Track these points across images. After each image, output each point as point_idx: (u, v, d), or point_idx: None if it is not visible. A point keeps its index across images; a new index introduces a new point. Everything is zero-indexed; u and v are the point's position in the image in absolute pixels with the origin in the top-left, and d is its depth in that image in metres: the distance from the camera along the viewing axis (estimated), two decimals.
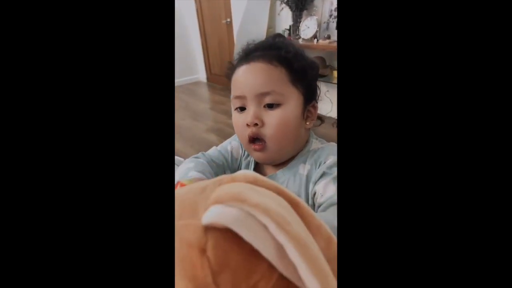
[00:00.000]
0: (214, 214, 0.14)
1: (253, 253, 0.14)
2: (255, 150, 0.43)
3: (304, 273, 0.13)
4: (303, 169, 0.45)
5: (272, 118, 0.41)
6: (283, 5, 2.22)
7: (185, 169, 0.46)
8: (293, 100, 0.41)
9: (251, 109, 0.41)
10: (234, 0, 2.84)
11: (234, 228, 0.14)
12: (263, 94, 0.41)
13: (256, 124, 0.41)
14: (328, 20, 2.07)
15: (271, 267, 0.15)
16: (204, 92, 3.54)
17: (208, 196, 0.16)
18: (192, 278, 0.14)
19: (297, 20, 2.22)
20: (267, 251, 0.14)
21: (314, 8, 2.17)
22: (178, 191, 0.19)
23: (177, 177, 0.45)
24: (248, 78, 0.42)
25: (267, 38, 0.50)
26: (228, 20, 3.04)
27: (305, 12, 2.20)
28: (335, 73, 1.97)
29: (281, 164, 0.47)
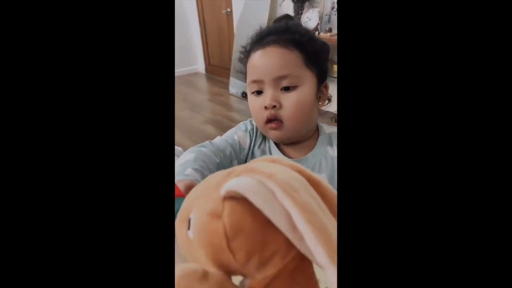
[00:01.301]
0: (229, 184, 0.15)
1: (268, 225, 0.15)
2: (272, 128, 0.45)
3: (310, 240, 0.13)
4: (332, 151, 0.48)
5: (289, 100, 0.43)
6: None
7: (183, 162, 0.44)
8: (308, 82, 0.44)
9: (268, 92, 0.44)
10: None
11: (245, 193, 0.15)
12: (280, 78, 0.43)
13: (274, 106, 0.43)
14: (330, 12, 2.04)
15: (288, 243, 0.15)
16: (203, 83, 3.51)
17: (230, 175, 0.17)
18: (209, 244, 0.15)
19: (298, 11, 2.19)
20: (278, 220, 0.14)
21: (316, 0, 2.14)
22: (209, 176, 0.20)
23: (176, 169, 0.44)
24: (265, 62, 0.44)
25: (279, 21, 0.51)
26: (229, 10, 2.99)
27: (306, 4, 2.17)
28: (335, 67, 1.95)
29: (296, 145, 0.50)
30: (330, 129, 0.52)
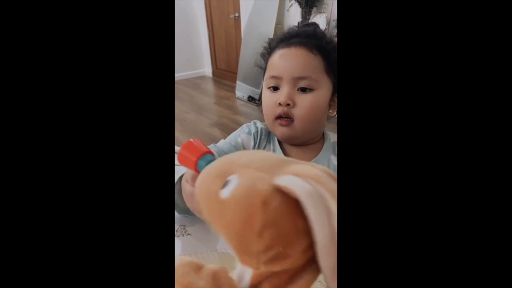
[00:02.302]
0: (290, 181, 0.16)
1: (301, 230, 0.16)
2: (281, 125, 0.46)
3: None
4: (335, 160, 0.49)
5: (303, 101, 0.45)
6: (293, 1, 2.20)
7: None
8: (324, 88, 0.45)
9: (285, 90, 0.44)
10: None
11: (303, 198, 0.15)
12: (299, 78, 0.44)
13: (288, 104, 0.44)
14: (337, 18, 2.05)
15: (306, 251, 0.17)
16: (209, 86, 3.53)
17: (284, 166, 0.18)
18: (246, 218, 0.16)
19: (306, 17, 2.20)
20: (320, 227, 0.15)
21: (324, 5, 2.15)
22: (261, 152, 0.21)
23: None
24: (287, 61, 0.45)
25: (307, 26, 0.53)
26: (237, 15, 3.02)
27: (314, 9, 2.18)
28: None
29: (300, 148, 0.50)
30: (335, 138, 0.53)
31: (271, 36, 2.58)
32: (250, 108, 2.70)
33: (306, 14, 2.19)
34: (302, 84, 0.44)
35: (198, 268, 0.16)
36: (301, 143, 0.50)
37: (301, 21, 2.23)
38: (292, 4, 2.26)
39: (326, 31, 2.06)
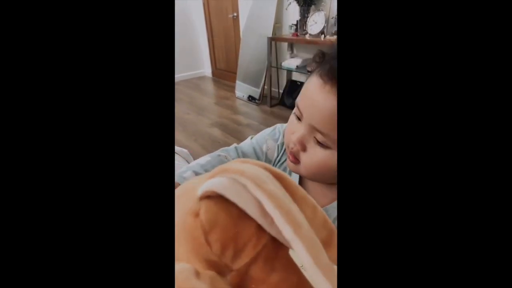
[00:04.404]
0: (204, 186, 0.17)
1: (240, 217, 0.17)
2: (289, 159, 0.41)
3: (279, 221, 0.16)
4: None
5: (314, 153, 0.37)
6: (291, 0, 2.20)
7: (193, 165, 0.44)
8: None
9: (301, 131, 0.37)
10: None
11: (219, 190, 0.16)
12: (316, 130, 0.36)
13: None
14: (336, 16, 2.04)
15: (259, 231, 0.17)
16: (209, 86, 3.54)
17: (205, 178, 0.19)
18: (190, 239, 0.17)
19: (304, 15, 2.19)
20: (251, 209, 0.16)
21: (322, 3, 2.14)
22: (186, 182, 0.22)
23: (181, 170, 0.44)
24: (314, 101, 0.35)
25: None
26: (235, 14, 3.02)
27: (312, 7, 2.17)
28: None
29: (319, 185, 0.44)
30: None
31: (270, 36, 2.58)
32: (250, 107, 2.70)
33: (304, 12, 2.18)
34: (318, 137, 0.36)
35: (197, 273, 0.16)
36: (314, 180, 0.43)
37: (300, 20, 2.23)
38: (290, 3, 2.25)
39: (325, 29, 2.05)
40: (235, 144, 0.50)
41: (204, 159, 0.46)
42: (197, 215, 0.17)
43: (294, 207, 0.17)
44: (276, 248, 0.18)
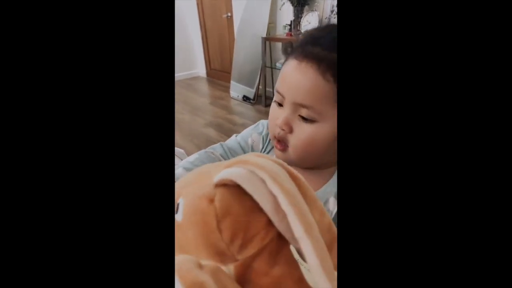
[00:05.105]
0: (223, 174, 0.17)
1: (253, 209, 0.17)
2: (276, 147, 0.42)
3: (292, 219, 0.16)
4: (333, 205, 0.40)
5: (301, 131, 0.38)
6: (284, 0, 2.21)
7: (183, 163, 0.45)
8: (330, 120, 0.37)
9: (285, 112, 0.38)
10: None
11: (238, 181, 0.17)
12: (301, 105, 0.37)
13: (283, 129, 0.39)
14: (329, 15, 2.06)
15: (268, 226, 0.17)
16: (204, 87, 3.52)
17: (221, 166, 0.19)
18: (200, 223, 0.17)
19: (298, 15, 2.20)
20: (265, 203, 0.17)
21: (316, 3, 2.15)
22: (198, 168, 0.22)
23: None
24: (293, 80, 0.37)
25: (329, 30, 0.39)
26: (229, 14, 3.02)
27: (306, 7, 2.18)
28: None
29: (306, 171, 0.44)
30: None
31: (264, 36, 2.57)
32: (245, 107, 2.70)
33: (298, 12, 2.19)
34: (303, 113, 0.37)
35: (200, 265, 0.17)
36: (304, 167, 0.43)
37: (294, 20, 2.24)
38: (284, 3, 2.26)
39: None
40: (220, 142, 0.51)
41: (193, 157, 0.47)
42: (211, 201, 0.17)
43: (305, 207, 0.17)
44: (281, 244, 0.18)
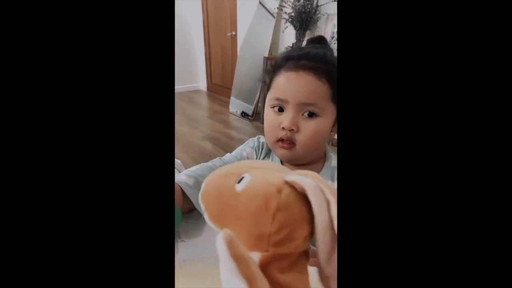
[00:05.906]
0: (297, 177, 0.20)
1: (304, 218, 0.20)
2: (283, 147, 0.47)
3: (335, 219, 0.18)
4: (332, 185, 0.45)
5: (307, 127, 0.45)
6: (288, 24, 2.29)
7: (184, 172, 0.47)
8: (329, 114, 0.45)
9: (290, 115, 0.44)
10: (240, 14, 2.92)
11: (304, 187, 0.19)
12: (306, 104, 0.44)
13: (292, 129, 0.45)
14: (329, 41, 2.13)
15: (306, 239, 0.20)
16: (203, 100, 3.56)
17: (287, 171, 0.23)
18: (262, 205, 0.19)
19: (300, 38, 2.28)
20: (319, 209, 0.19)
21: (317, 29, 2.24)
22: (270, 162, 0.26)
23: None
24: (295, 86, 0.44)
25: (315, 42, 0.51)
26: (234, 33, 3.11)
27: (308, 32, 2.27)
28: None
29: (300, 167, 0.50)
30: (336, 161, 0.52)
31: (266, 55, 2.64)
32: (243, 123, 2.72)
33: (300, 36, 2.27)
34: (309, 109, 0.44)
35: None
36: (301, 163, 0.51)
37: (295, 43, 2.31)
38: (287, 26, 2.35)
39: None
40: (219, 156, 0.55)
41: (194, 167, 0.49)
42: (280, 191, 0.20)
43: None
44: (303, 259, 0.21)
